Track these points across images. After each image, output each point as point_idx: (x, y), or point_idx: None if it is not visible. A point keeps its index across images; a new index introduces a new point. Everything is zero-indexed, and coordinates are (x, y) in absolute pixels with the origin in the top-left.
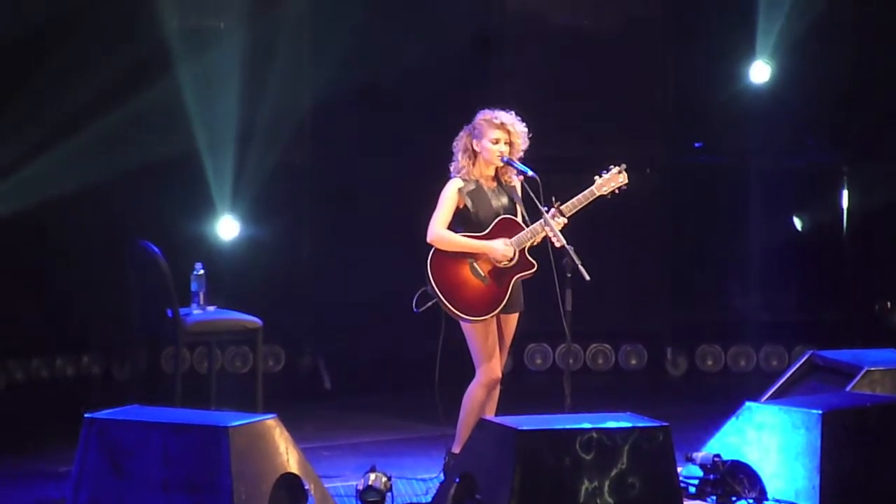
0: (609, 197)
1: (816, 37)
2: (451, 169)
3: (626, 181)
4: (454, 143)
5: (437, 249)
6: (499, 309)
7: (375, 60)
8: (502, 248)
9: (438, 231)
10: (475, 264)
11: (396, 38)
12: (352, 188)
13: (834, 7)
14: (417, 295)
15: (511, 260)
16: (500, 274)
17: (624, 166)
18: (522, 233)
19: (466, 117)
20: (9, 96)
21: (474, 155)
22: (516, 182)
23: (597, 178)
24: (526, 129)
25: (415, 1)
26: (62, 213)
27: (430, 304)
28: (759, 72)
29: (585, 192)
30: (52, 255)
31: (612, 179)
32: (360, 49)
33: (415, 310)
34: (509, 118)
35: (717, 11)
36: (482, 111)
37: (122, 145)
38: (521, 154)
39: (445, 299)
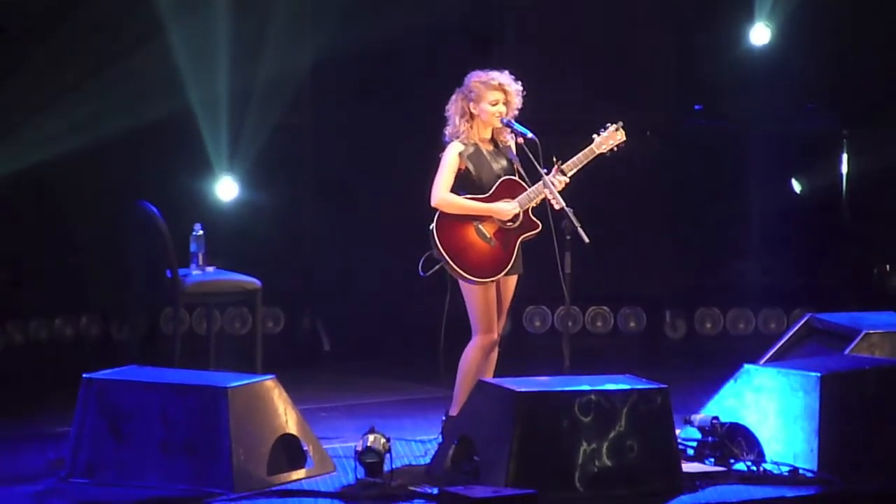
0: (608, 154)
1: (816, 0)
2: (447, 133)
3: (624, 138)
4: (447, 108)
5: (441, 213)
6: (506, 270)
7: (376, 20)
8: (508, 208)
9: (443, 195)
10: (480, 226)
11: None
12: (352, 150)
13: None
14: (423, 258)
15: (516, 220)
16: (505, 235)
17: (621, 123)
18: (524, 193)
19: (464, 76)
20: (8, 61)
21: (472, 118)
22: (511, 141)
23: (595, 136)
24: (520, 88)
25: None
26: (60, 174)
27: (436, 267)
28: (760, 35)
29: (585, 150)
30: (50, 217)
31: (610, 137)
32: (361, 8)
33: (421, 273)
34: (506, 78)
35: None
36: (474, 73)
37: (120, 106)
38: (516, 112)
39: (452, 262)
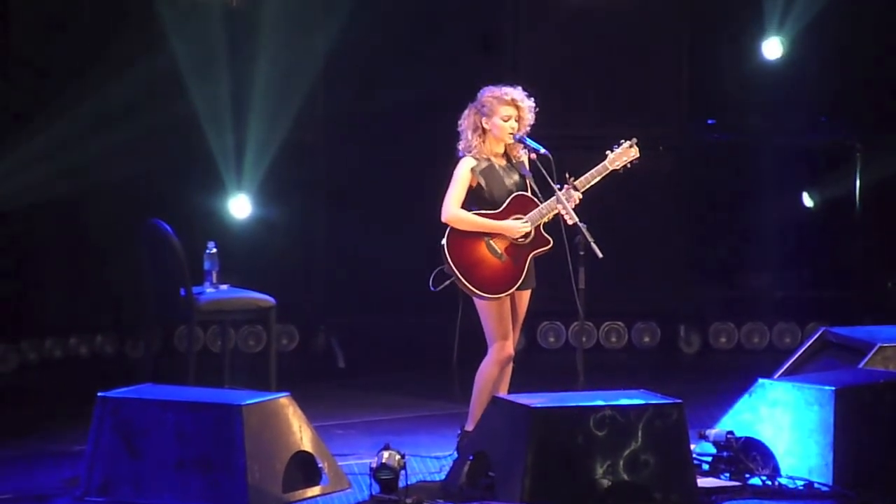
0: (622, 171)
1: (830, 13)
2: (460, 147)
3: (638, 155)
4: (460, 122)
5: (452, 229)
6: (516, 286)
7: (386, 29)
8: (519, 226)
9: (453, 211)
10: (491, 242)
11: (407, 12)
12: (365, 166)
13: None
14: (434, 273)
15: (527, 236)
16: (516, 251)
17: (635, 140)
18: (536, 209)
19: (478, 88)
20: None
21: (484, 133)
22: (524, 157)
23: (609, 152)
24: (533, 104)
25: None
26: (73, 193)
27: (447, 282)
28: (772, 49)
29: (598, 166)
30: (64, 236)
31: (623, 154)
32: (371, 19)
33: (432, 288)
34: (519, 94)
35: None
36: (487, 88)
37: (132, 124)
38: (528, 128)
39: (463, 278)
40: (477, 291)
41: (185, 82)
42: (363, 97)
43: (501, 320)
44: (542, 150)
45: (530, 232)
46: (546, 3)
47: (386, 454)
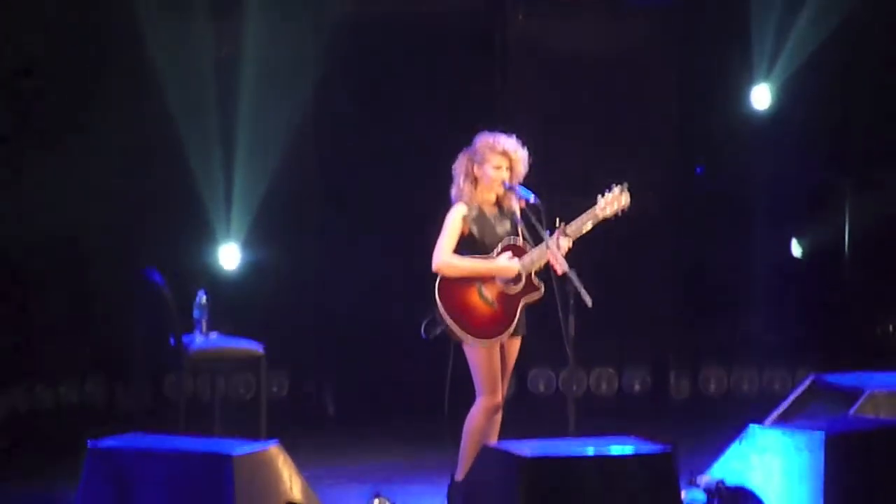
0: (613, 219)
1: (820, 57)
2: (452, 194)
3: (629, 202)
4: (453, 167)
5: (444, 275)
6: (508, 332)
7: (376, 71)
8: (508, 263)
9: (444, 258)
10: (483, 289)
11: (398, 50)
12: (355, 212)
13: (836, 34)
14: (426, 322)
15: (518, 283)
16: (507, 298)
17: (626, 185)
18: (526, 257)
19: (470, 137)
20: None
21: (475, 180)
22: (516, 206)
23: (599, 197)
24: (527, 155)
25: (417, 19)
26: (66, 242)
27: (438, 331)
28: (761, 96)
29: (589, 213)
30: (53, 283)
31: (614, 200)
32: (359, 66)
33: (423, 336)
34: (512, 144)
35: (719, 35)
36: (482, 135)
37: (123, 173)
38: (521, 178)
39: (454, 323)
40: (468, 336)
41: (175, 130)
42: (352, 143)
43: (491, 369)
44: (532, 199)
45: (521, 278)
46: (537, 47)
47: (376, 502)
